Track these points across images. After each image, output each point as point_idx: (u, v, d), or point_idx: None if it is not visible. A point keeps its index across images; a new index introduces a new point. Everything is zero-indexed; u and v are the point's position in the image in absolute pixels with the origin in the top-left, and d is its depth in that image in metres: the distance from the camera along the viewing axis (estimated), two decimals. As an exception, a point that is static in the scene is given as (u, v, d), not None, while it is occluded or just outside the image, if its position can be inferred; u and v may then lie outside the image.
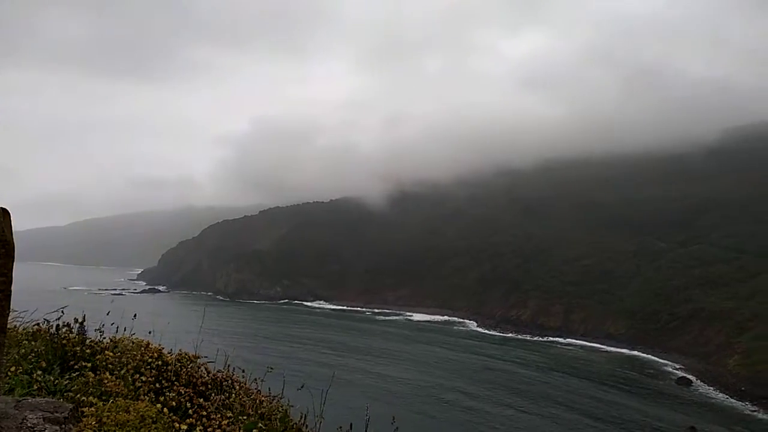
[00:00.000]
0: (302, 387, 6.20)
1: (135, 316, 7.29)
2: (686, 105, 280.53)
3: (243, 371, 6.22)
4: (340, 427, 5.65)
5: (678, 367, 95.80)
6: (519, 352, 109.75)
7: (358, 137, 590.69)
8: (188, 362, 5.86)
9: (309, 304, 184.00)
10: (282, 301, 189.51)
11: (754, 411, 73.28)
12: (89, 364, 5.55)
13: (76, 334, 6.16)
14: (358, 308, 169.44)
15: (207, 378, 5.86)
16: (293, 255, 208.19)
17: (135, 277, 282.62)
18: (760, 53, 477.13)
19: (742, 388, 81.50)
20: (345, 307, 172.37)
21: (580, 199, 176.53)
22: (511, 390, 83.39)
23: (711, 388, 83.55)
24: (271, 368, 6.35)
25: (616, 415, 72.22)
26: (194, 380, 5.65)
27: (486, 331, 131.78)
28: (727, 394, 79.96)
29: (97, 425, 4.37)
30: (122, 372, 5.53)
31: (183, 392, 5.34)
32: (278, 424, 5.07)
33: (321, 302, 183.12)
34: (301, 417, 5.33)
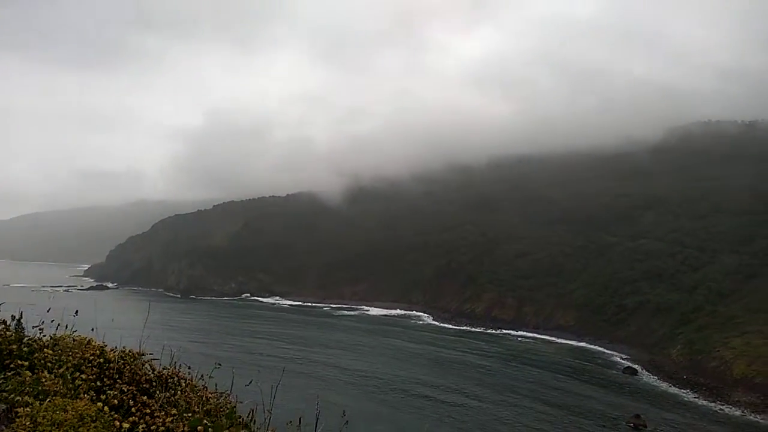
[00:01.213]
0: (250, 383, 6.13)
1: (77, 312, 7.04)
2: (630, 105, 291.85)
3: (189, 368, 6.10)
4: (290, 422, 5.62)
5: (624, 357, 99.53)
6: (474, 344, 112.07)
7: (314, 132, 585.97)
8: (132, 359, 5.70)
9: (264, 299, 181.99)
10: (237, 298, 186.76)
11: (695, 398, 76.96)
12: (26, 363, 5.33)
13: (13, 332, 5.90)
14: (315, 303, 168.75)
15: (152, 375, 5.71)
16: (248, 250, 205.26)
17: (82, 274, 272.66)
18: (696, 57, 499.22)
19: (684, 377, 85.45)
20: (301, 303, 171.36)
21: (532, 194, 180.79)
22: (467, 378, 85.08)
23: (655, 377, 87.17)
24: (219, 364, 6.24)
25: (567, 403, 74.48)
26: (138, 378, 5.50)
27: (442, 324, 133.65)
28: (670, 383, 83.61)
29: (31, 425, 4.20)
30: (61, 370, 5.33)
31: (126, 390, 5.20)
32: (225, 420, 5.00)
33: (277, 298, 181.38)
34: (249, 413, 5.28)
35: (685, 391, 79.76)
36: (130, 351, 5.84)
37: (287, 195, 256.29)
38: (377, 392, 79.11)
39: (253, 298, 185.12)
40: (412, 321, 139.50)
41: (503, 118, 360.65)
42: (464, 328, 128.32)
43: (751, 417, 68.90)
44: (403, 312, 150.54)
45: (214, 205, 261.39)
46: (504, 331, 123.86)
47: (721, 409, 71.93)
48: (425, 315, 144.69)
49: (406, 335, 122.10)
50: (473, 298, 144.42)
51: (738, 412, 70.45)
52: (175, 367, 6.21)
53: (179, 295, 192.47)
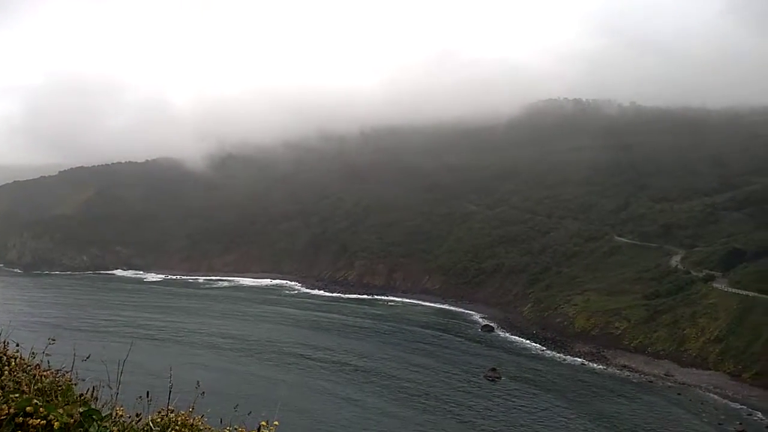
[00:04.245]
0: (88, 357, 5.51)
1: None
2: (490, 83, 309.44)
3: (18, 345, 5.31)
4: (140, 397, 5.12)
5: (483, 316, 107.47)
6: (344, 309, 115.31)
7: (171, 94, 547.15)
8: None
9: (122, 273, 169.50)
10: (89, 272, 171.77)
11: (544, 350, 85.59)
12: None
13: None
14: (182, 276, 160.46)
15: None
16: (103, 220, 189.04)
17: None
18: (546, 40, 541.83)
19: (534, 332, 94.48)
20: (165, 276, 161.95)
21: (402, 164, 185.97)
22: (338, 339, 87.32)
23: (509, 333, 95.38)
24: (53, 339, 5.50)
25: (429, 363, 79.12)
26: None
27: (315, 292, 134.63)
28: (522, 338, 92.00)
29: None
30: None
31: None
32: (60, 399, 4.40)
33: (139, 272, 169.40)
34: (90, 390, 4.70)
35: (535, 344, 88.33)
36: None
37: (146, 161, 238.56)
38: (254, 353, 78.64)
39: (109, 272, 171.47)
40: (286, 291, 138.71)
41: (370, 90, 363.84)
42: (337, 294, 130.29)
43: (589, 364, 78.27)
44: (276, 282, 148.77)
45: (60, 172, 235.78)
46: (375, 296, 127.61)
47: (564, 359, 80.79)
48: (298, 284, 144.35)
49: (279, 303, 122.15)
50: (346, 266, 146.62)
51: (579, 361, 79.62)
52: (1, 346, 5.37)
53: (22, 271, 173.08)
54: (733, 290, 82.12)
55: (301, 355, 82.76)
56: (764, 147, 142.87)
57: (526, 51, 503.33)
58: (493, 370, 73.99)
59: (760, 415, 59.64)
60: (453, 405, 63.97)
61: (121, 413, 4.68)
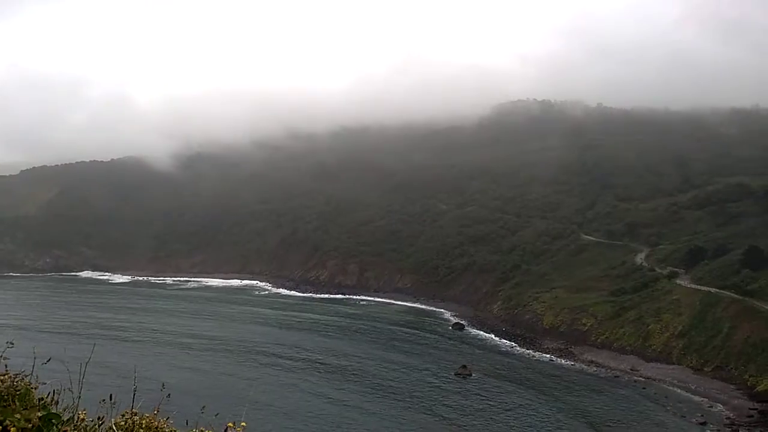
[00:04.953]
0: (48, 361, 5.33)
1: None
2: (458, 84, 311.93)
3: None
4: (103, 400, 4.97)
5: (454, 314, 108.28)
6: (315, 307, 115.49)
7: (136, 91, 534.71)
8: None
9: (87, 275, 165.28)
10: (53, 274, 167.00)
11: (513, 346, 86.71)
12: None
13: None
14: (149, 278, 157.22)
15: None
16: (66, 221, 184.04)
17: None
18: (513, 43, 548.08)
19: (504, 329, 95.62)
20: (131, 278, 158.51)
21: (373, 164, 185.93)
22: (309, 340, 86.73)
23: (480, 330, 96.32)
24: (12, 343, 5.31)
25: (401, 360, 79.35)
26: None
27: (287, 292, 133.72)
28: (492, 335, 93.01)
29: None
30: None
31: None
32: (18, 404, 4.24)
33: (104, 273, 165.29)
34: (51, 393, 4.54)
35: (504, 341, 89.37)
36: None
37: (111, 160, 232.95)
38: (223, 355, 77.68)
39: (74, 273, 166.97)
40: (256, 291, 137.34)
41: (343, 89, 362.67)
42: (309, 295, 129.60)
43: (557, 360, 79.62)
44: (246, 282, 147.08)
45: (21, 171, 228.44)
46: (347, 296, 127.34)
47: (533, 356, 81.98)
48: (269, 284, 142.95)
49: (249, 304, 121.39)
50: (318, 266, 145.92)
51: (547, 357, 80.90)
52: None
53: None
54: (696, 287, 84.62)
55: (273, 353, 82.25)
56: (725, 148, 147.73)
57: (494, 53, 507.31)
58: (464, 367, 74.66)
59: (720, 407, 61.57)
60: (426, 401, 64.53)
61: (83, 417, 4.54)
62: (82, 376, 5.11)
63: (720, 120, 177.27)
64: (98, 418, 4.59)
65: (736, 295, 77.51)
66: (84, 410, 4.59)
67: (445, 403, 63.98)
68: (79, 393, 4.93)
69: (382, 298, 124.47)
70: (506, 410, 62.09)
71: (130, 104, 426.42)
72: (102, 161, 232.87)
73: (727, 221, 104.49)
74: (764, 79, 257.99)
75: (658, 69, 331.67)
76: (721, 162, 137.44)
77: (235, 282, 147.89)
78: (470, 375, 72.84)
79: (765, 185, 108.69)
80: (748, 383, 65.65)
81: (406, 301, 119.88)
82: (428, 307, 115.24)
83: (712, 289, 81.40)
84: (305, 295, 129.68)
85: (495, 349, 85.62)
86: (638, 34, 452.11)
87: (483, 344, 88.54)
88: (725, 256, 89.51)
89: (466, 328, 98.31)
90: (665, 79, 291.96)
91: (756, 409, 59.84)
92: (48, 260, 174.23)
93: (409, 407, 62.89)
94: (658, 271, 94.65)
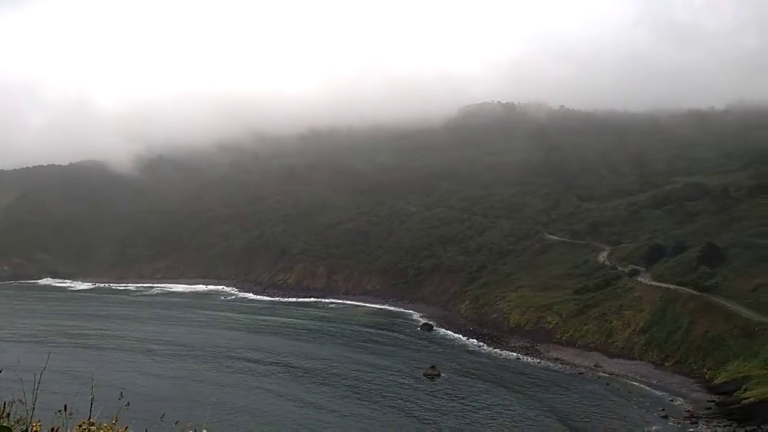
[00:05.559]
0: (1, 371, 5.14)
1: None
2: (425, 87, 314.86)
3: None
4: (59, 411, 4.81)
5: (422, 315, 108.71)
6: (283, 311, 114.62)
7: (95, 93, 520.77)
8: None
9: (46, 282, 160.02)
10: (11, 281, 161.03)
11: (480, 346, 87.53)
12: None
13: None
14: (110, 284, 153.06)
15: None
16: (25, 227, 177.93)
17: None
18: (477, 46, 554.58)
19: (471, 328, 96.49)
20: (93, 285, 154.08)
21: (340, 166, 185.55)
22: (276, 335, 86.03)
23: (448, 330, 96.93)
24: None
25: (371, 361, 79.29)
26: None
27: (254, 296, 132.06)
28: (460, 335, 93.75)
29: None
30: None
31: None
32: (-34, 418, 4.07)
33: (64, 280, 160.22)
34: (2, 406, 4.38)
35: (472, 340, 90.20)
36: None
37: (69, 163, 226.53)
38: (188, 360, 76.28)
39: (33, 281, 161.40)
40: (222, 296, 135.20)
41: (310, 92, 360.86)
42: (276, 299, 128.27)
43: (524, 358, 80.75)
44: (211, 287, 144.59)
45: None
46: (315, 299, 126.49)
47: (500, 354, 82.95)
48: (235, 289, 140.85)
49: (215, 308, 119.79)
50: (285, 270, 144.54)
51: (514, 355, 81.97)
52: None
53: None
54: (656, 284, 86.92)
55: (240, 357, 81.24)
56: (682, 148, 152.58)
57: (459, 57, 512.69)
58: (432, 367, 75.08)
59: (681, 400, 63.41)
60: (398, 401, 64.75)
61: (36, 429, 4.40)
62: (36, 386, 4.95)
63: (677, 121, 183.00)
64: (52, 430, 4.45)
65: (694, 291, 79.94)
66: (38, 422, 4.44)
67: (416, 402, 64.24)
68: (33, 404, 4.76)
69: (351, 300, 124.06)
70: (477, 409, 62.68)
71: (91, 106, 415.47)
72: (61, 165, 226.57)
73: (685, 220, 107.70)
74: (718, 82, 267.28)
75: (616, 71, 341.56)
76: (679, 162, 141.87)
77: (201, 287, 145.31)
78: (438, 375, 73.28)
79: (721, 184, 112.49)
80: (707, 376, 67.80)
81: (375, 303, 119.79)
82: (397, 309, 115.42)
83: (672, 286, 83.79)
84: (272, 299, 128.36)
85: (463, 349, 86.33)
86: (596, 38, 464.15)
87: (451, 344, 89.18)
88: (684, 253, 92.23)
89: (434, 328, 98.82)
90: (623, 81, 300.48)
91: (714, 401, 61.82)
92: (6, 268, 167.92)
93: (380, 408, 62.96)
94: (620, 269, 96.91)
